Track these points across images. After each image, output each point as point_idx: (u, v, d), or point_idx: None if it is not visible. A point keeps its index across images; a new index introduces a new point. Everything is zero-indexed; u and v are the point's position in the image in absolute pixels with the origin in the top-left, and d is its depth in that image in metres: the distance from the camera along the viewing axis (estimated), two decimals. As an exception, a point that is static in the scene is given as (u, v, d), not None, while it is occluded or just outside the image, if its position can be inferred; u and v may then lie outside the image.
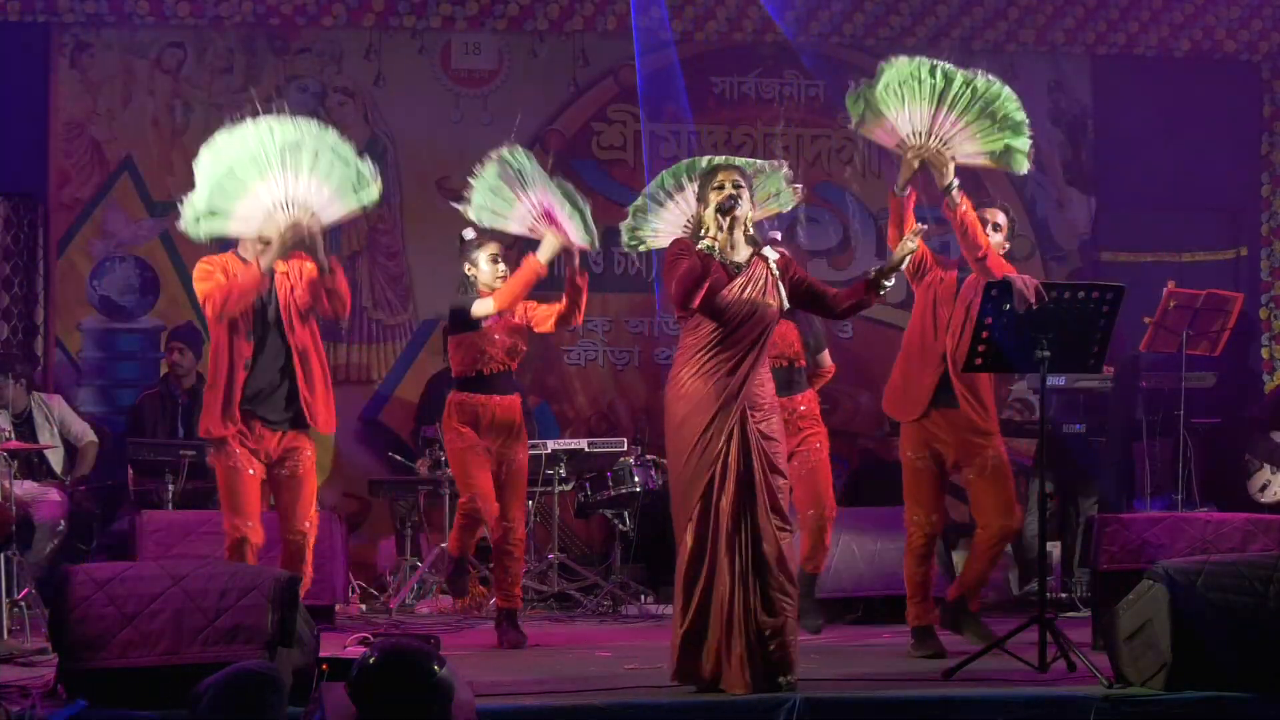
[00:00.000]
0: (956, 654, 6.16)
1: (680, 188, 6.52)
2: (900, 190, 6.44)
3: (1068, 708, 5.34)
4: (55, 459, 8.65)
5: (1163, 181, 10.43)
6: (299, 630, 5.24)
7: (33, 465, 8.55)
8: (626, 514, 8.68)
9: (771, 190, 6.59)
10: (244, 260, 6.27)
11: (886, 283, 5.57)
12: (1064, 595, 8.36)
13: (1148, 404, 9.36)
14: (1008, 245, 6.76)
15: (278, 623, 5.17)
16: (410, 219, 9.98)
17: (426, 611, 8.41)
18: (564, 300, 7.05)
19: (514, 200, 6.91)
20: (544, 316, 7.19)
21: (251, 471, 6.23)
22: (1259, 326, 10.42)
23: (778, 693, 5.35)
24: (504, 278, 7.09)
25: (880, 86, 6.40)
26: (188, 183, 6.22)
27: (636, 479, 8.54)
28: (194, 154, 6.25)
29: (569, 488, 8.78)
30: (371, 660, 3.81)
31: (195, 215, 6.13)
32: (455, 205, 7.01)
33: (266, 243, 6.20)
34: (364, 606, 8.49)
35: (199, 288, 6.27)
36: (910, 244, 5.67)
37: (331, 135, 6.24)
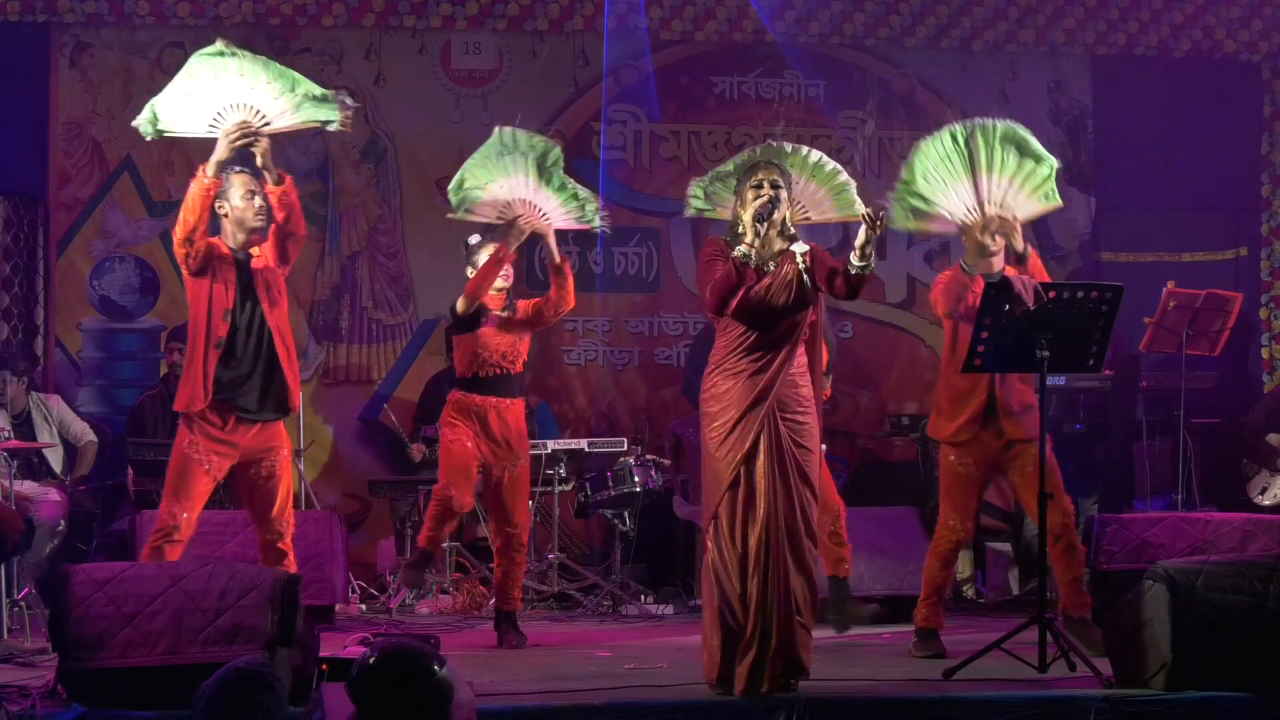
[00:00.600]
0: (957, 654, 6.16)
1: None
2: (971, 270, 6.48)
3: (1068, 708, 5.34)
4: (55, 459, 8.65)
5: (1163, 181, 10.44)
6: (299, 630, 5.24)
7: (32, 465, 8.55)
8: (626, 514, 8.68)
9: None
10: (227, 248, 6.23)
11: (857, 262, 5.45)
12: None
13: (1148, 404, 9.37)
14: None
15: (278, 623, 5.17)
16: (410, 219, 9.98)
17: (426, 611, 8.41)
18: (551, 288, 7.07)
19: (494, 179, 6.95)
20: (537, 310, 7.21)
21: (207, 468, 6.14)
22: (1259, 326, 10.42)
23: (781, 692, 5.35)
24: (506, 278, 7.11)
25: (917, 180, 6.42)
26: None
27: (636, 479, 8.54)
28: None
29: (569, 488, 8.78)
30: (371, 660, 3.80)
31: (151, 115, 6.13)
32: (452, 214, 7.03)
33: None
34: (364, 606, 8.49)
35: (175, 228, 6.19)
36: (872, 232, 5.45)
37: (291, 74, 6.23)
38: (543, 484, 8.58)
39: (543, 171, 7.04)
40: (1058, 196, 6.53)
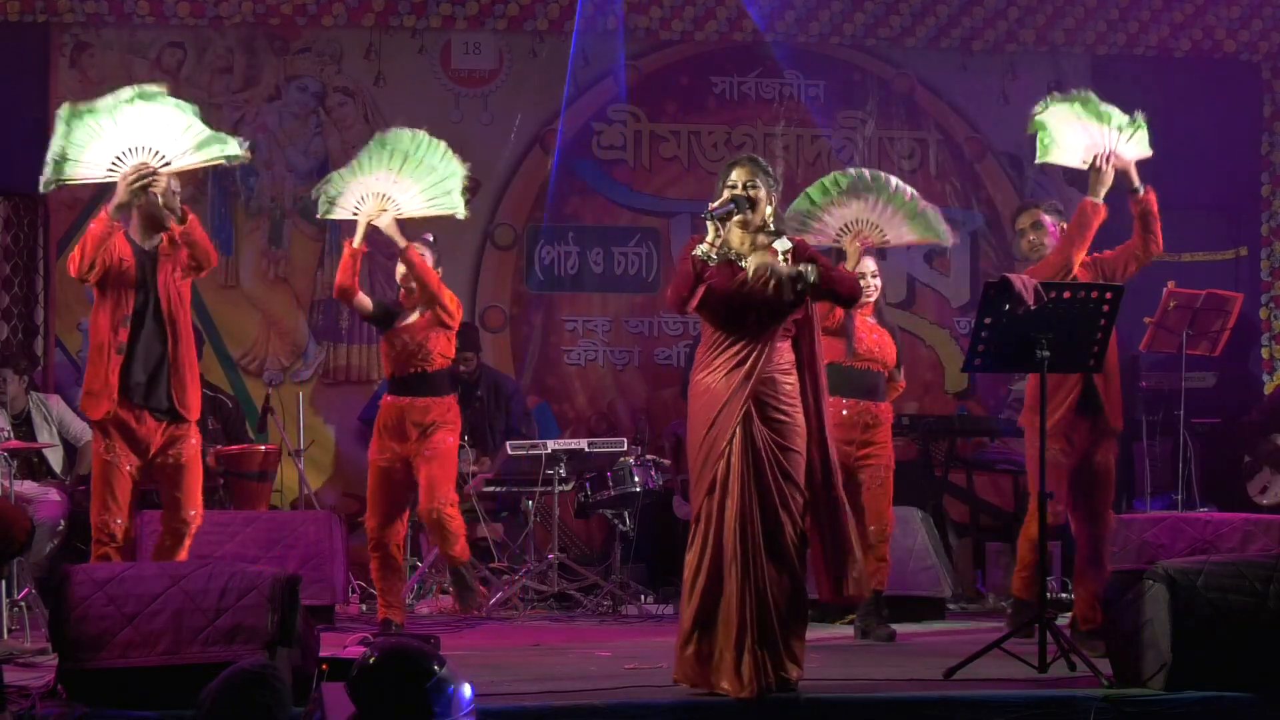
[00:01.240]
0: (956, 654, 6.15)
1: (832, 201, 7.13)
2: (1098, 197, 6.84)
3: (1068, 708, 5.34)
4: (55, 459, 8.65)
5: (1163, 181, 10.41)
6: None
7: (32, 465, 8.56)
8: (626, 514, 8.68)
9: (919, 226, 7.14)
10: (131, 240, 6.23)
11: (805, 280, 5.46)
12: (1064, 595, 8.36)
13: (1148, 404, 9.37)
14: (1047, 245, 6.98)
15: (278, 623, 5.17)
16: (410, 218, 9.95)
17: (426, 611, 8.42)
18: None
19: (356, 177, 7.26)
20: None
21: (128, 468, 6.17)
22: (1259, 327, 10.42)
23: (780, 692, 5.34)
24: (412, 278, 7.36)
25: (1078, 103, 6.95)
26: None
27: (636, 479, 8.54)
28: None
29: (569, 488, 8.78)
30: (371, 660, 3.80)
31: (53, 159, 6.19)
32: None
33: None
34: (364, 606, 8.48)
35: (69, 262, 6.20)
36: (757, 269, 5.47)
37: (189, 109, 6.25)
38: (543, 484, 8.58)
39: (408, 163, 7.21)
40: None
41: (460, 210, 7.37)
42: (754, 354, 5.46)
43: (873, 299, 7.32)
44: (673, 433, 9.24)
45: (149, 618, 5.18)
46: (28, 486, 8.23)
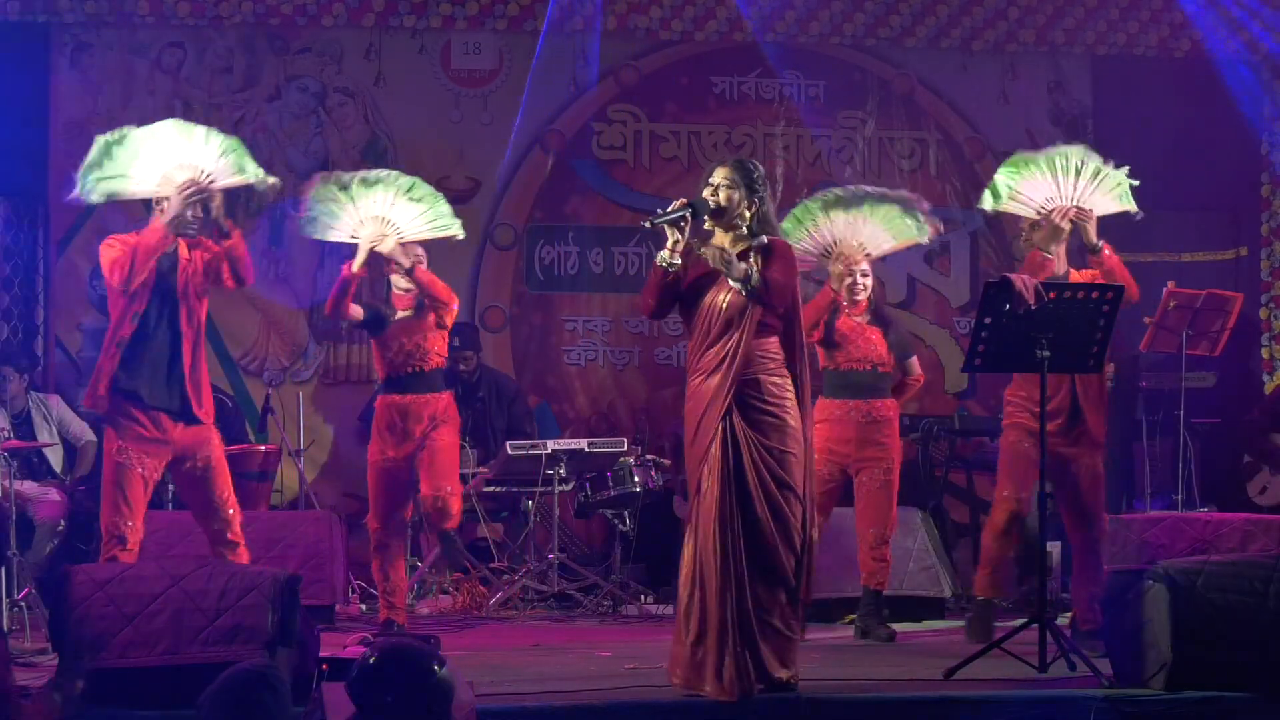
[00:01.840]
0: (956, 654, 6.15)
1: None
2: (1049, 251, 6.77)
3: (1068, 708, 5.34)
4: (55, 458, 8.65)
5: (1163, 181, 10.41)
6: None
7: (32, 465, 8.55)
8: (626, 514, 8.68)
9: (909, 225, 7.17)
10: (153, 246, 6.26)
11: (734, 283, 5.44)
12: (1064, 595, 8.36)
13: (1148, 404, 9.37)
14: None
15: (278, 623, 5.17)
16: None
17: (426, 611, 8.41)
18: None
19: (344, 210, 7.17)
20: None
21: (142, 471, 6.18)
22: (1259, 327, 10.42)
23: (778, 693, 5.34)
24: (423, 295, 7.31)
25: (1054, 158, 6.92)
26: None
27: (636, 479, 8.54)
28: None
29: (569, 488, 8.78)
30: (371, 660, 3.81)
31: (91, 175, 6.22)
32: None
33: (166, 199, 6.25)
34: (364, 606, 8.48)
35: (105, 257, 6.24)
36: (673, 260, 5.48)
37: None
38: (543, 484, 8.58)
39: (403, 189, 7.22)
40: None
41: (459, 231, 7.34)
42: (730, 355, 5.42)
43: (861, 298, 7.32)
44: (673, 433, 9.24)
45: (149, 618, 5.18)
46: (28, 486, 8.23)
